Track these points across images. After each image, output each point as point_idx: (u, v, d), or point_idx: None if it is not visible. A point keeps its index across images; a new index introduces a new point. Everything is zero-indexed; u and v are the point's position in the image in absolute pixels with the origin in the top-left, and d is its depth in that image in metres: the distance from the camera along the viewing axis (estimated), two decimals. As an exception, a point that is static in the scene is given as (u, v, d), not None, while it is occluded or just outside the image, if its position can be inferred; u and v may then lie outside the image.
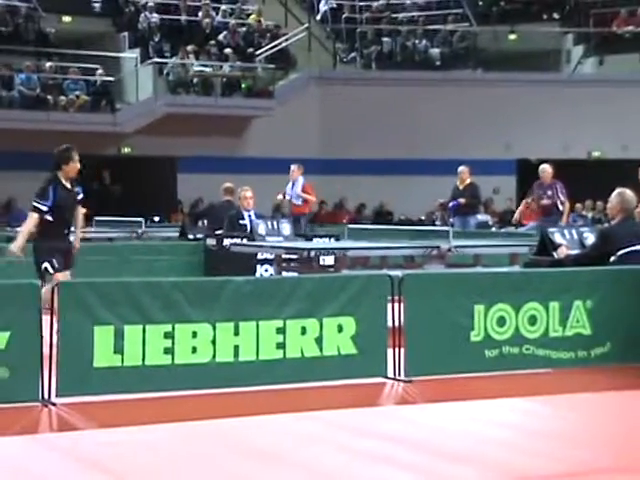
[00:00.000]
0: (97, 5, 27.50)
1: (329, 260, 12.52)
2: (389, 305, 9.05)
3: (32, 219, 10.47)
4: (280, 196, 19.90)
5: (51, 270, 10.32)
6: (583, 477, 6.07)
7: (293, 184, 19.43)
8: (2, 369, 7.76)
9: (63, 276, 10.24)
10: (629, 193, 10.52)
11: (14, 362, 7.80)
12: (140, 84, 25.76)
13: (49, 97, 24.12)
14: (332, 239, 15.40)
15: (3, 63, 24.21)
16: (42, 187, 10.53)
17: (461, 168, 19.49)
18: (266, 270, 14.41)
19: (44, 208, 10.42)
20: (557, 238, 11.18)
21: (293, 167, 19.53)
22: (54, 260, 10.40)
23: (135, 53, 26.36)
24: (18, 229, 17.95)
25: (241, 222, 15.21)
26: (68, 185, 10.70)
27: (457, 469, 6.16)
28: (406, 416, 7.85)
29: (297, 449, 6.69)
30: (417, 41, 28.76)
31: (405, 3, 30.26)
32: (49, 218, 10.50)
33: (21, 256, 10.70)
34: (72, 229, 10.97)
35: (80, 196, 10.93)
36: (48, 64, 24.80)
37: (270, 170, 25.64)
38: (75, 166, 10.74)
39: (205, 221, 17.15)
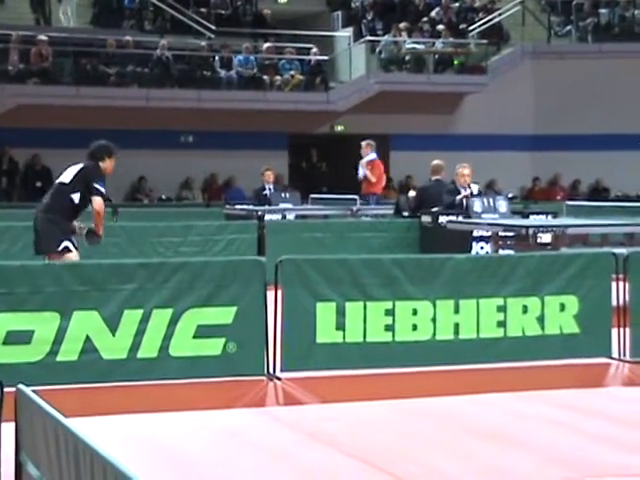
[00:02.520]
0: (311, -15, 27.80)
1: (547, 238, 12.29)
2: (613, 284, 8.83)
3: (97, 203, 9.80)
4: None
5: (71, 247, 9.73)
6: None
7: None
8: (231, 343, 7.95)
9: (77, 255, 9.79)
10: None
11: (241, 337, 7.97)
12: (353, 63, 25.90)
13: (265, 77, 24.53)
14: (549, 216, 15.10)
15: (222, 45, 24.76)
16: (96, 170, 9.97)
17: None
18: (482, 248, 14.26)
19: (103, 190, 9.88)
20: None
21: (363, 143, 19.03)
22: (73, 240, 9.85)
23: (348, 32, 26.51)
24: (238, 207, 18.50)
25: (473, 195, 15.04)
26: None
27: (691, 454, 5.95)
28: (633, 397, 7.64)
29: (522, 429, 6.59)
30: (636, 11, 27.85)
31: (623, -27, 29.35)
32: (77, 203, 9.91)
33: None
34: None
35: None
36: (265, 45, 25.22)
37: (483, 147, 25.42)
38: (111, 164, 10.15)
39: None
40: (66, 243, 9.70)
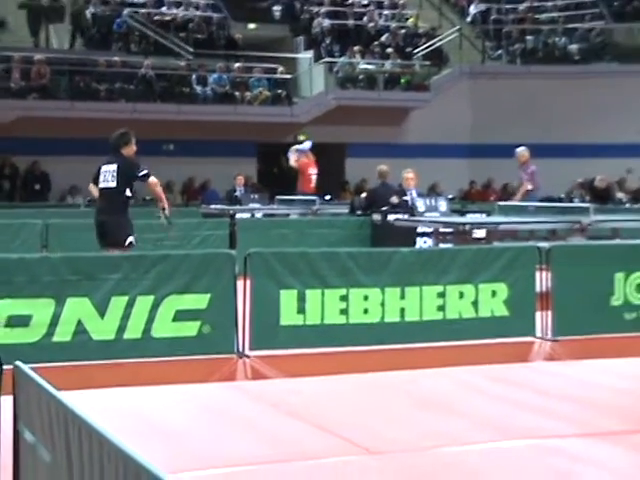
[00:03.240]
0: (277, 13, 27.69)
1: (481, 233, 12.34)
2: (537, 273, 8.88)
3: (153, 182, 9.75)
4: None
5: (134, 242, 9.75)
6: None
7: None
8: (205, 326, 7.92)
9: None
10: None
11: (214, 320, 7.95)
12: (313, 81, 25.87)
13: (237, 93, 24.45)
14: (483, 215, 15.18)
15: (199, 65, 24.65)
16: (129, 163, 9.79)
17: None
18: (425, 242, 14.29)
19: (145, 171, 9.73)
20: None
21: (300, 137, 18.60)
22: (135, 235, 9.86)
23: (309, 54, 26.47)
24: (212, 206, 18.42)
25: (405, 199, 15.11)
26: None
27: (604, 420, 6.00)
28: (554, 371, 7.69)
29: (459, 399, 6.61)
30: (557, 38, 28.02)
31: (546, 5, 29.50)
32: (130, 195, 9.90)
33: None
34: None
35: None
36: (236, 65, 25.14)
37: (426, 155, 25.46)
38: (133, 148, 9.94)
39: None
40: (131, 239, 9.67)
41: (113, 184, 9.71)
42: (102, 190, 9.89)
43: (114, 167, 9.76)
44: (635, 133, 26.40)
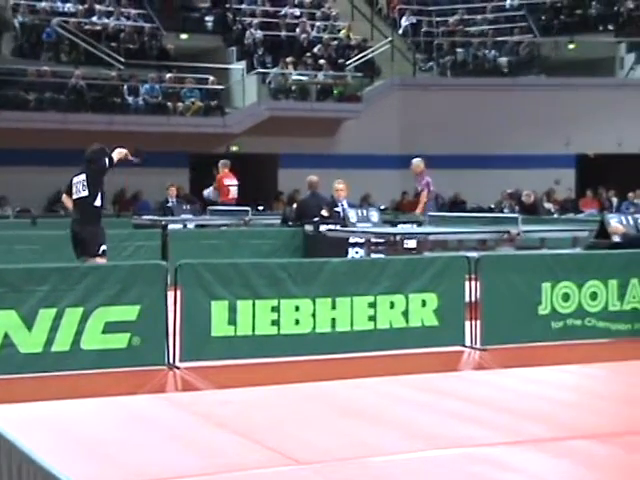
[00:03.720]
0: (209, 24, 27.68)
1: (412, 243, 12.45)
2: (466, 283, 8.96)
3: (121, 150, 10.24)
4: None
5: (106, 251, 10.15)
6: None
7: None
8: (135, 338, 7.86)
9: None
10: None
11: (144, 331, 7.89)
12: (246, 91, 25.87)
13: (169, 104, 24.33)
14: (414, 225, 15.29)
15: (130, 75, 24.47)
16: (100, 164, 10.23)
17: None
18: (357, 252, 14.35)
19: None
20: (615, 222, 10.96)
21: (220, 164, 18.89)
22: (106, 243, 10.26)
23: (242, 65, 26.46)
24: (144, 217, 18.27)
25: (336, 210, 15.18)
26: None
27: (531, 427, 6.06)
28: (482, 380, 7.75)
29: (389, 409, 6.63)
30: (487, 51, 28.41)
31: (476, 18, 29.90)
32: (100, 204, 10.30)
33: None
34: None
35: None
36: (168, 75, 25.02)
37: (359, 165, 25.60)
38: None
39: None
40: (104, 247, 10.00)
41: (85, 193, 10.07)
42: (75, 201, 10.29)
43: (83, 177, 10.14)
44: (563, 144, 26.86)
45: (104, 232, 10.25)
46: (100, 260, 9.84)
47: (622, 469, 5.30)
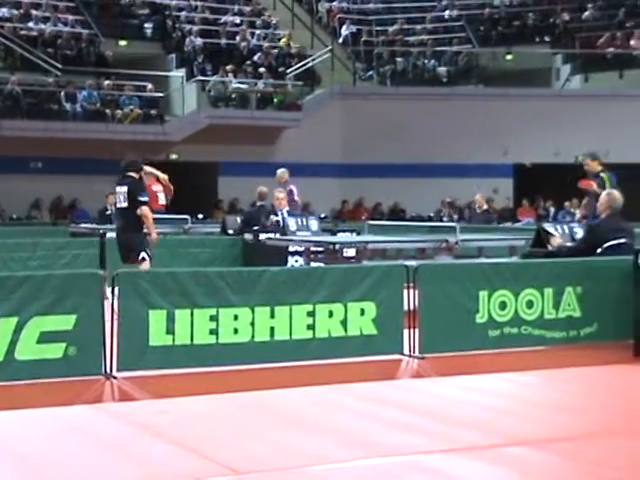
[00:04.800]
0: (149, 31, 27.50)
1: (351, 252, 12.50)
2: (405, 291, 9.02)
3: (145, 211, 10.83)
4: None
5: (147, 257, 10.82)
6: (579, 441, 6.03)
7: None
8: (71, 347, 7.78)
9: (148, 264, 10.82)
10: (617, 193, 10.48)
11: (81, 341, 7.81)
12: (186, 99, 25.76)
13: (107, 111, 24.15)
14: (354, 234, 15.35)
15: (68, 81, 24.25)
16: (137, 185, 10.88)
17: (477, 197, 19.34)
18: (296, 261, 14.37)
19: (147, 199, 10.89)
20: (552, 232, 11.11)
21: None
22: (148, 250, 10.92)
23: (181, 72, 26.35)
24: (82, 225, 18.10)
25: (275, 219, 15.19)
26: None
27: (468, 435, 6.13)
28: (421, 388, 7.82)
29: (327, 417, 6.66)
30: (426, 61, 28.66)
31: (416, 28, 30.14)
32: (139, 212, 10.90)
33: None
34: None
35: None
36: (106, 82, 24.83)
37: (299, 174, 25.49)
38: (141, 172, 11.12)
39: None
40: (143, 254, 10.74)
41: (125, 204, 10.86)
42: (117, 210, 11.22)
43: (125, 189, 10.86)
44: (501, 154, 27.19)
45: (146, 239, 10.93)
46: (141, 266, 10.55)
47: (557, 475, 5.38)
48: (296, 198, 16.48)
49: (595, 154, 13.69)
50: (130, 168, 11.01)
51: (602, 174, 13.30)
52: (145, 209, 10.83)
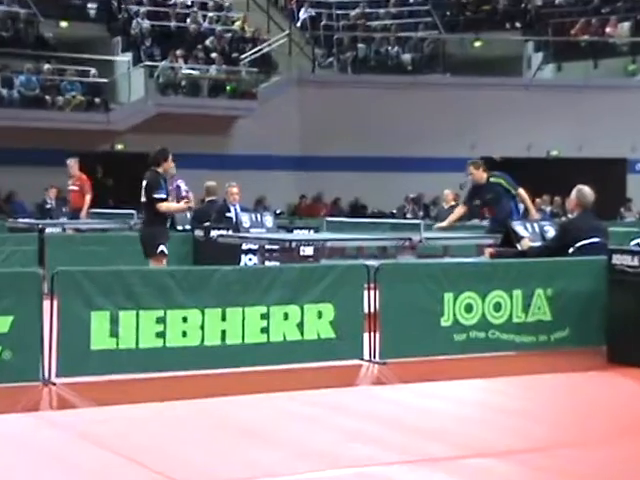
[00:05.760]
0: (92, 11, 27.33)
1: (309, 250, 12.50)
2: (365, 292, 9.05)
3: (162, 208, 11.07)
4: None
5: (166, 251, 11.01)
6: (546, 451, 6.09)
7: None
8: (6, 351, 7.73)
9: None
10: (587, 189, 10.54)
11: (17, 345, 7.76)
12: (132, 85, 25.64)
13: (47, 97, 23.98)
14: (311, 231, 15.38)
15: (4, 65, 24.05)
16: (154, 180, 11.07)
17: (446, 192, 19.46)
18: (250, 259, 14.39)
19: (163, 196, 11.08)
20: (521, 231, 11.20)
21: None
22: (167, 244, 11.13)
23: (128, 56, 26.22)
24: (20, 220, 17.96)
25: (227, 215, 15.17)
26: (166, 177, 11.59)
27: (429, 445, 6.17)
28: (381, 395, 7.86)
29: (279, 426, 6.68)
30: (390, 47, 28.74)
31: (379, 12, 30.25)
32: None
33: None
34: None
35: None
36: (46, 66, 24.65)
37: (253, 166, 25.62)
38: (171, 164, 11.39)
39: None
40: (162, 247, 10.99)
41: (144, 199, 11.13)
42: (143, 204, 11.37)
43: (144, 183, 11.14)
44: (468, 147, 27.34)
45: (165, 233, 11.23)
46: (157, 261, 10.90)
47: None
48: (184, 193, 16.54)
49: (478, 161, 13.85)
50: (151, 161, 11.25)
51: (492, 179, 13.51)
52: (161, 206, 11.08)
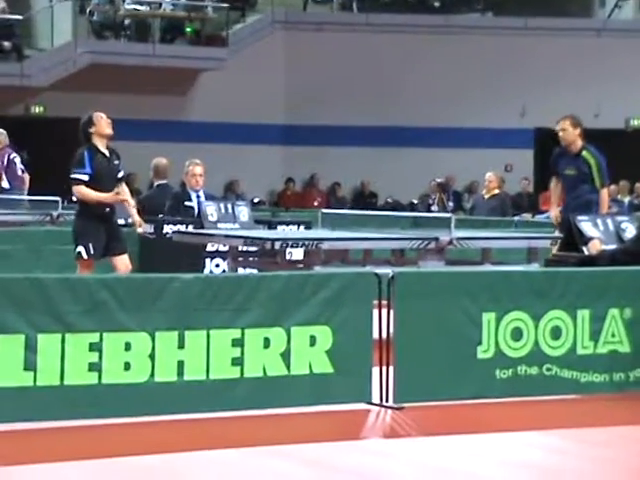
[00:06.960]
0: None
1: (298, 254, 12.55)
2: (375, 312, 9.07)
3: (82, 192, 11.33)
4: None
5: (85, 256, 11.24)
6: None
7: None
8: None
9: (121, 262, 11.53)
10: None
11: None
12: (56, 25, 25.67)
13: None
14: (301, 227, 15.39)
15: None
16: (77, 154, 11.43)
17: (488, 175, 19.45)
18: (217, 265, 14.42)
19: (82, 177, 11.28)
20: (588, 229, 11.23)
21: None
22: (90, 245, 11.28)
23: (50, -15, 26.33)
24: None
25: (186, 204, 15.16)
26: (106, 153, 11.82)
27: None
28: (395, 452, 7.88)
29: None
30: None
31: None
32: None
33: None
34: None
35: (121, 172, 12.07)
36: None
37: (222, 139, 25.69)
38: (102, 125, 11.64)
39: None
40: (79, 248, 11.39)
41: None
42: None
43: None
44: (517, 114, 27.41)
45: (89, 229, 11.52)
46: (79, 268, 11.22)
47: None
48: (19, 173, 16.55)
49: (578, 118, 13.74)
50: (81, 136, 11.64)
51: (584, 153, 13.46)
52: (78, 190, 11.33)
